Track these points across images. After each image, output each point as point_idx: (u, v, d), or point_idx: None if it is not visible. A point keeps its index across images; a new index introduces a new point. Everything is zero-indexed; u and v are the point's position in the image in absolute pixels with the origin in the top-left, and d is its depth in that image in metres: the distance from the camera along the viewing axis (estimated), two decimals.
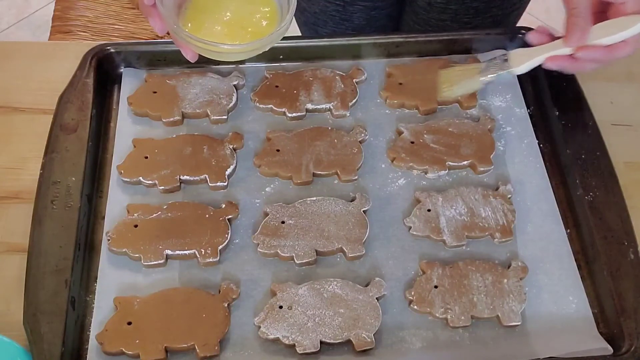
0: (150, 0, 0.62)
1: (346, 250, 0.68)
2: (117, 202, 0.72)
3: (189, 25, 0.66)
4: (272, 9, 0.67)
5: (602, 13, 0.65)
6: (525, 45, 0.83)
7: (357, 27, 1.01)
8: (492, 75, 0.69)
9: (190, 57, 0.67)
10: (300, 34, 1.07)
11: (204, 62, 0.81)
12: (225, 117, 0.78)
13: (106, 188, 0.73)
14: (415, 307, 0.65)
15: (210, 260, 0.67)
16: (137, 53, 0.81)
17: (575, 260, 0.69)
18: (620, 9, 0.63)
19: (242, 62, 0.82)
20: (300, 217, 0.70)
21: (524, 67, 0.68)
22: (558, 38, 0.67)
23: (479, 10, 0.94)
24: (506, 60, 0.69)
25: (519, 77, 0.82)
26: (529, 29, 0.83)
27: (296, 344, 0.63)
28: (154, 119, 0.78)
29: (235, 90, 0.79)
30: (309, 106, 0.78)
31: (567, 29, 0.63)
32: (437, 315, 0.65)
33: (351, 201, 0.71)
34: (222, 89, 0.79)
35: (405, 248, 0.70)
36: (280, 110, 0.78)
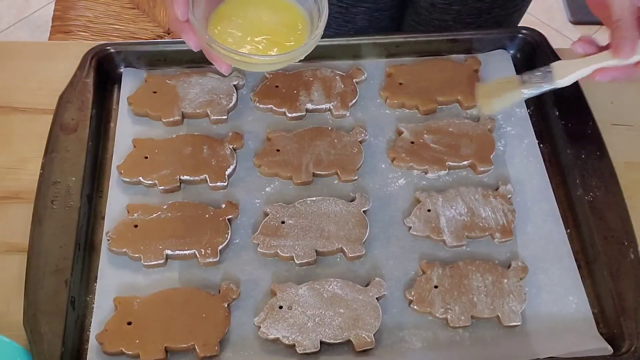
0: (184, 15, 0.60)
1: (346, 250, 0.68)
2: (117, 202, 0.72)
3: (216, 33, 0.65)
4: (300, 17, 0.66)
5: None
6: (525, 46, 0.83)
7: (359, 29, 1.01)
8: (534, 88, 0.66)
9: (225, 70, 0.67)
10: None
11: (204, 62, 0.82)
12: (225, 117, 0.78)
13: (106, 188, 0.73)
14: (415, 307, 0.65)
15: (210, 260, 0.67)
16: (137, 53, 0.81)
17: (575, 260, 0.69)
18: None
19: None
20: (300, 217, 0.70)
21: (568, 80, 0.65)
22: (604, 48, 0.64)
23: (482, 11, 0.94)
24: (549, 72, 0.66)
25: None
26: (529, 29, 0.84)
27: (296, 344, 0.63)
28: (154, 119, 0.78)
29: (235, 90, 0.79)
30: (309, 106, 0.78)
31: (614, 42, 0.61)
32: (437, 315, 0.65)
33: (351, 201, 0.71)
34: (222, 89, 0.79)
35: (405, 248, 0.70)
36: (280, 110, 0.78)
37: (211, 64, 0.81)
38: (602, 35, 2.00)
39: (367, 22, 1.00)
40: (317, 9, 0.63)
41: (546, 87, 0.66)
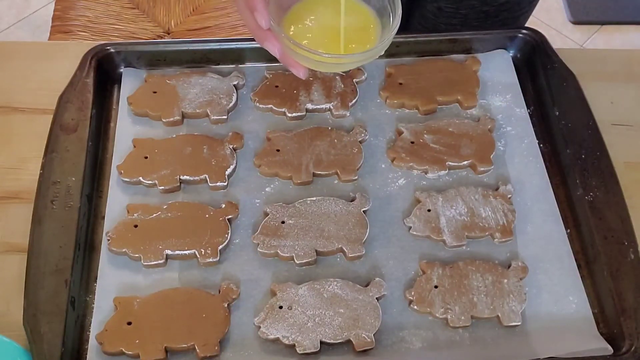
0: (267, 23, 0.60)
1: (346, 250, 0.68)
2: (117, 202, 0.72)
3: (292, 35, 0.64)
4: (369, 17, 0.66)
5: None
6: (525, 46, 0.83)
7: None
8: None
9: (303, 74, 0.67)
10: None
11: (203, 62, 0.82)
12: (225, 117, 0.78)
13: (106, 188, 0.73)
14: (415, 307, 0.65)
15: (210, 260, 0.67)
16: (137, 53, 0.81)
17: (575, 260, 0.69)
18: None
19: (242, 62, 0.82)
20: (300, 217, 0.70)
21: None
22: None
23: (489, 14, 0.93)
24: None
25: (519, 76, 0.82)
26: (529, 29, 0.84)
27: (296, 344, 0.63)
28: (154, 119, 0.78)
29: (235, 90, 0.79)
30: (309, 106, 0.78)
31: None
32: (437, 315, 0.65)
33: (351, 201, 0.71)
34: (222, 89, 0.79)
35: (405, 248, 0.70)
36: (280, 110, 0.78)
37: (211, 64, 0.81)
38: (601, 36, 2.00)
39: None
40: (389, 7, 0.64)
41: None
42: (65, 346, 0.61)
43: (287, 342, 0.63)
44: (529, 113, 0.80)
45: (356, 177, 0.74)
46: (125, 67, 0.82)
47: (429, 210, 0.71)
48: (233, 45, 0.82)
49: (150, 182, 0.72)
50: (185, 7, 1.36)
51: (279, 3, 0.65)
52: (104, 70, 0.80)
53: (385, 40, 0.62)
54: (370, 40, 0.65)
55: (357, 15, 0.67)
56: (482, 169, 0.74)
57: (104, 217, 0.71)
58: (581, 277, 0.68)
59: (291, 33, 0.65)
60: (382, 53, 0.64)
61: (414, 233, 0.70)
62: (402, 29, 0.99)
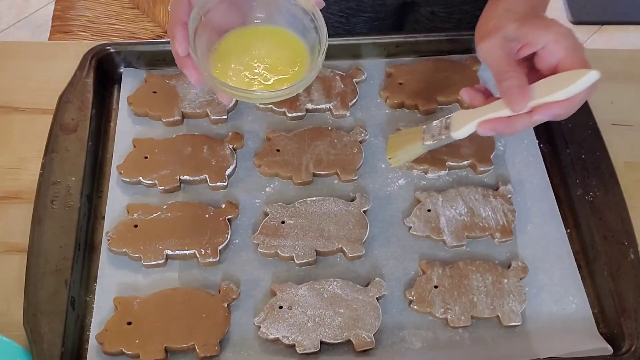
0: (184, 51, 0.61)
1: (346, 250, 0.68)
2: (117, 202, 0.72)
3: (219, 66, 0.65)
4: (301, 50, 0.66)
5: (531, 70, 0.60)
6: None
7: None
8: (433, 141, 0.65)
9: (226, 102, 0.71)
10: None
11: None
12: (225, 117, 0.78)
13: (106, 188, 0.73)
14: (415, 307, 0.65)
15: (210, 260, 0.67)
16: (137, 53, 0.81)
17: (575, 260, 0.69)
18: (544, 56, 0.58)
19: None
20: (300, 217, 0.70)
21: (462, 132, 0.62)
22: (493, 96, 0.62)
23: None
24: (448, 123, 0.64)
25: None
26: None
27: (296, 344, 0.63)
28: (154, 119, 0.78)
29: None
30: (309, 106, 0.78)
31: (504, 94, 0.58)
32: (437, 315, 0.65)
33: (351, 201, 0.71)
34: None
35: (405, 248, 0.70)
36: (280, 110, 0.78)
37: None
38: (601, 36, 2.00)
39: (367, 31, 1.00)
40: (318, 41, 0.63)
41: (444, 140, 0.64)
42: (65, 346, 0.61)
43: (287, 342, 0.63)
44: None
45: (356, 177, 0.74)
46: (125, 67, 0.82)
47: (429, 210, 0.71)
48: None
49: (150, 182, 0.72)
50: None
51: (212, 27, 0.65)
52: (104, 70, 0.80)
53: (302, 81, 0.62)
54: (298, 73, 0.65)
55: (287, 47, 0.66)
56: (482, 169, 0.74)
57: (104, 217, 0.71)
58: (581, 277, 0.68)
59: (219, 65, 0.65)
60: (301, 90, 0.64)
61: (414, 233, 0.70)
62: (397, 32, 0.99)
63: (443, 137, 0.64)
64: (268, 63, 0.65)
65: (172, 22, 0.62)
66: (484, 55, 0.61)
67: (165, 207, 0.70)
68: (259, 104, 0.77)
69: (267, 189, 0.74)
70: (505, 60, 0.59)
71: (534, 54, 0.59)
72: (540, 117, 0.58)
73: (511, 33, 0.59)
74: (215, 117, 0.77)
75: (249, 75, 0.64)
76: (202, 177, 0.73)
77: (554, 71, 0.58)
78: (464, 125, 0.62)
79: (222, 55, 0.65)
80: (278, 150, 0.75)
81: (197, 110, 0.77)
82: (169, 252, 0.68)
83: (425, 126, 0.66)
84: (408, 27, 1.02)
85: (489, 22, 0.61)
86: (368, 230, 0.69)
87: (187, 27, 0.61)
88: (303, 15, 0.65)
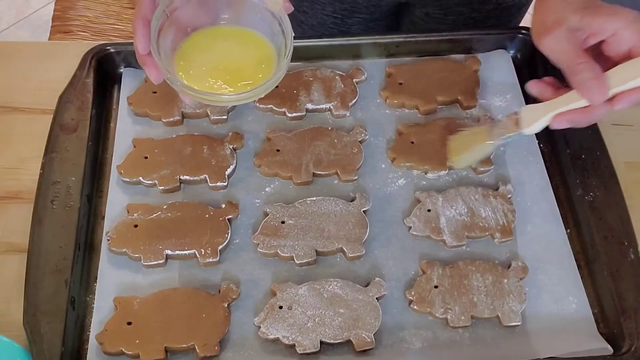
0: (144, 49, 0.60)
1: (346, 250, 0.68)
2: (117, 202, 0.72)
3: (182, 65, 0.64)
4: (267, 53, 0.65)
5: (598, 57, 0.59)
6: (525, 45, 0.83)
7: None
8: (501, 140, 0.64)
9: (189, 102, 0.73)
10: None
11: None
12: (225, 117, 0.78)
13: (106, 188, 0.73)
14: (415, 307, 0.65)
15: (210, 260, 0.67)
16: None
17: (575, 260, 0.69)
18: (614, 44, 0.58)
19: None
20: (300, 217, 0.70)
21: (535, 127, 0.62)
22: (563, 88, 0.61)
23: (477, 21, 0.94)
24: (517, 118, 0.63)
25: (519, 76, 0.82)
26: (529, 29, 0.83)
27: (296, 344, 0.63)
28: (154, 119, 0.78)
29: None
30: (309, 106, 0.78)
31: (580, 88, 0.57)
32: (437, 315, 0.65)
33: (351, 201, 0.71)
34: None
35: (405, 248, 0.70)
36: (280, 110, 0.78)
37: None
38: None
39: (362, 32, 0.99)
40: (284, 44, 0.62)
41: (514, 137, 0.64)
42: (65, 346, 0.61)
43: (287, 342, 0.63)
44: None
45: (356, 177, 0.74)
46: (125, 67, 0.82)
47: (429, 210, 0.71)
48: None
49: (150, 182, 0.72)
50: None
51: (178, 26, 0.64)
52: (104, 70, 0.80)
53: (265, 84, 0.61)
54: (263, 76, 0.63)
55: (253, 49, 0.65)
56: (482, 169, 0.74)
57: (104, 217, 0.71)
58: (581, 277, 0.68)
59: (182, 63, 0.64)
60: (264, 94, 0.63)
61: (414, 233, 0.70)
62: (397, 32, 0.99)
63: (512, 134, 0.63)
64: (233, 65, 0.64)
65: (134, 18, 0.61)
66: (549, 50, 0.59)
67: (165, 207, 0.70)
68: (220, 105, 0.76)
69: (267, 189, 0.74)
70: (574, 52, 0.58)
71: (600, 42, 0.58)
72: (623, 105, 0.57)
73: (575, 24, 0.57)
74: (215, 117, 0.77)
75: (212, 77, 0.63)
76: (202, 177, 0.73)
77: (626, 57, 0.57)
78: (536, 120, 0.61)
79: (186, 54, 0.64)
80: (278, 150, 0.75)
81: (197, 110, 0.77)
82: (169, 252, 0.68)
83: (489, 125, 0.65)
84: (403, 29, 1.02)
85: (548, 17, 0.59)
86: (368, 230, 0.69)
87: (149, 25, 0.60)
88: (271, 18, 0.64)
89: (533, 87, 0.63)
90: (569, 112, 0.59)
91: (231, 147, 0.75)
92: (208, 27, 0.66)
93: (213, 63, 0.64)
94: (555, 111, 0.60)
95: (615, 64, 0.57)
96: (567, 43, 0.58)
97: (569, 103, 0.59)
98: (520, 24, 1.00)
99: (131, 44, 0.83)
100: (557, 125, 0.61)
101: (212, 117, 0.77)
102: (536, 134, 0.77)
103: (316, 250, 0.68)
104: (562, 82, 0.62)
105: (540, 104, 0.62)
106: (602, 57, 0.59)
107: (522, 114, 0.63)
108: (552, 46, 0.59)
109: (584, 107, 0.58)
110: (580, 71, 0.57)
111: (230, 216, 0.70)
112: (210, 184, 0.73)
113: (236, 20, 0.66)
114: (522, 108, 0.63)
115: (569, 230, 0.71)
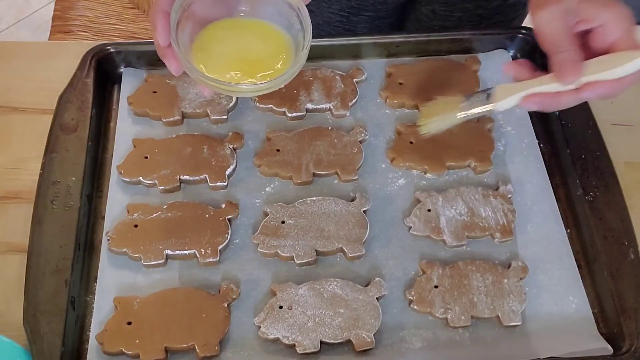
0: (165, 41, 0.60)
1: (346, 250, 0.68)
2: (117, 202, 0.72)
3: (200, 57, 0.64)
4: (285, 44, 0.65)
5: (584, 46, 0.60)
6: (525, 45, 0.83)
7: None
8: (471, 111, 0.64)
9: (207, 95, 0.73)
10: None
11: None
12: (225, 117, 0.78)
13: (106, 188, 0.73)
14: (415, 307, 0.65)
15: (210, 260, 0.67)
16: (137, 53, 0.81)
17: (575, 260, 0.69)
18: (600, 35, 0.58)
19: None
20: (300, 217, 0.70)
21: (505, 103, 0.62)
22: (539, 71, 0.61)
23: (483, 17, 0.94)
24: (489, 94, 0.63)
25: None
26: (529, 29, 0.83)
27: (296, 344, 0.63)
28: (154, 119, 0.78)
29: None
30: (309, 106, 0.78)
31: (555, 67, 0.57)
32: (437, 315, 0.65)
33: (351, 201, 0.71)
34: None
35: (405, 248, 0.70)
36: (280, 110, 0.78)
37: None
38: None
39: (367, 30, 1.00)
40: (302, 36, 0.62)
41: (484, 109, 0.64)
42: (65, 346, 0.61)
43: (287, 342, 0.63)
44: (529, 113, 0.79)
45: (356, 177, 0.74)
46: (125, 67, 0.82)
47: (429, 210, 0.71)
48: None
49: (150, 182, 0.72)
50: None
51: (196, 19, 0.64)
52: (104, 70, 0.80)
53: (284, 75, 0.61)
54: (281, 67, 0.63)
55: (271, 41, 0.65)
56: (482, 169, 0.74)
57: (104, 217, 0.71)
58: (581, 277, 0.68)
59: (200, 55, 0.64)
60: (283, 85, 0.62)
61: (414, 233, 0.70)
62: (397, 32, 0.99)
63: (483, 107, 0.63)
64: (251, 56, 0.64)
65: (153, 11, 0.61)
66: (540, 25, 0.59)
67: (165, 207, 0.70)
68: (242, 96, 0.76)
69: (267, 189, 0.74)
70: (564, 32, 0.58)
71: (586, 31, 0.59)
72: (588, 95, 0.58)
73: (572, 6, 0.58)
74: (215, 117, 0.77)
75: (231, 69, 0.63)
76: (202, 177, 0.73)
77: (607, 51, 0.58)
78: (508, 96, 0.61)
79: (204, 46, 0.64)
80: (278, 150, 0.75)
81: (197, 110, 0.77)
82: (169, 252, 0.68)
83: (463, 96, 0.65)
84: (409, 26, 1.02)
85: None
86: (368, 230, 0.69)
87: (168, 17, 0.60)
88: (288, 10, 0.64)
89: (509, 68, 0.63)
90: (540, 94, 0.60)
91: (231, 147, 0.75)
92: (225, 19, 0.66)
93: (231, 55, 0.64)
94: (527, 91, 0.60)
95: (593, 56, 0.58)
96: (560, 22, 0.58)
97: (541, 85, 0.60)
98: (525, 21, 1.00)
99: (131, 44, 0.84)
100: (526, 106, 0.61)
101: (212, 117, 0.77)
102: (536, 134, 0.78)
103: (316, 250, 0.68)
104: (537, 66, 0.62)
105: (515, 83, 0.63)
106: (584, 47, 0.59)
107: (496, 90, 0.63)
108: (545, 21, 0.59)
109: (554, 92, 0.59)
110: (562, 51, 0.58)
111: (230, 216, 0.70)
112: (210, 184, 0.73)
113: (253, 12, 0.66)
114: (497, 85, 0.64)
115: (569, 230, 0.71)
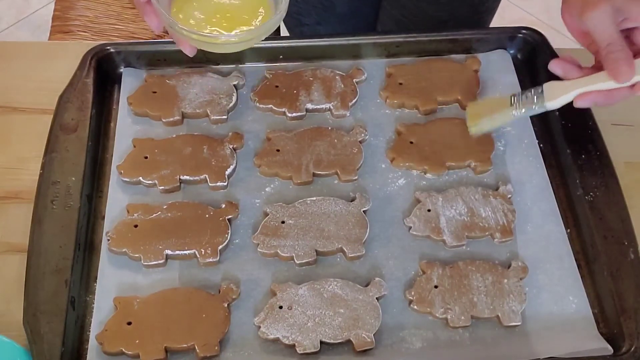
0: None
1: (346, 250, 0.68)
2: (117, 202, 0.72)
3: (181, 17, 0.65)
4: (263, 0, 0.66)
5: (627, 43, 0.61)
6: (525, 46, 0.83)
7: (340, 15, 1.01)
8: (524, 110, 0.65)
9: (189, 52, 0.67)
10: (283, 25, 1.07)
11: (203, 62, 0.82)
12: (225, 117, 0.78)
13: (106, 188, 0.73)
14: (415, 307, 0.65)
15: (210, 260, 0.67)
16: (137, 53, 0.81)
17: (575, 260, 0.69)
18: None
19: (242, 62, 0.82)
20: (300, 217, 0.70)
21: (558, 102, 0.64)
22: (587, 69, 0.62)
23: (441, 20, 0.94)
24: (541, 93, 0.65)
25: (519, 76, 0.82)
26: (529, 29, 0.84)
27: (296, 344, 0.63)
28: (154, 119, 0.78)
29: (235, 90, 0.79)
30: (309, 106, 0.78)
31: (609, 65, 0.59)
32: (437, 315, 0.65)
33: (351, 201, 0.71)
34: (222, 89, 0.79)
35: (405, 248, 0.70)
36: (280, 110, 0.78)
37: (211, 63, 0.82)
38: None
39: (347, 8, 0.99)
40: None
41: (536, 110, 0.65)
42: (65, 346, 0.61)
43: (287, 342, 0.63)
44: None
45: (356, 177, 0.74)
46: (125, 67, 0.82)
47: (429, 210, 0.71)
48: None
49: (150, 182, 0.72)
50: None
51: None
52: (104, 70, 0.80)
53: (265, 25, 0.62)
54: (261, 22, 0.65)
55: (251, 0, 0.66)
56: (482, 169, 0.74)
57: (104, 217, 0.71)
58: (581, 277, 0.68)
59: (181, 15, 0.65)
60: (264, 37, 0.63)
61: (414, 233, 0.70)
62: (375, 12, 0.98)
63: (536, 107, 0.64)
64: (230, 12, 0.65)
65: None
66: (593, 25, 0.60)
67: (165, 207, 0.70)
68: (224, 51, 0.76)
69: (267, 189, 0.74)
70: (617, 31, 0.59)
71: (629, 29, 0.60)
72: None
73: (620, 4, 0.59)
74: (215, 117, 0.77)
75: (211, 25, 0.64)
76: (202, 177, 0.73)
77: None
78: (560, 95, 0.62)
79: (183, 7, 0.65)
80: (278, 150, 0.75)
81: (197, 110, 0.77)
82: (169, 252, 0.68)
83: (512, 95, 0.66)
84: (384, 5, 1.01)
85: None
86: (368, 230, 0.69)
87: None
88: None
89: (556, 66, 0.64)
90: (593, 92, 0.61)
91: (231, 147, 0.75)
92: None
93: (210, 13, 0.65)
94: (581, 89, 0.62)
95: (635, 53, 0.60)
96: (611, 21, 0.60)
97: (595, 83, 0.61)
98: (518, 24, 1.00)
99: (131, 44, 0.84)
100: (581, 104, 0.63)
101: (212, 117, 0.77)
102: (536, 134, 0.77)
103: (316, 250, 0.68)
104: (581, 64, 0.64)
105: (566, 81, 0.64)
106: (628, 43, 0.61)
107: (547, 89, 0.64)
108: (597, 21, 0.60)
109: (607, 90, 0.61)
110: (616, 50, 0.59)
111: (230, 216, 0.70)
112: (210, 184, 0.73)
113: None
114: (546, 83, 0.65)
115: (569, 230, 0.71)
